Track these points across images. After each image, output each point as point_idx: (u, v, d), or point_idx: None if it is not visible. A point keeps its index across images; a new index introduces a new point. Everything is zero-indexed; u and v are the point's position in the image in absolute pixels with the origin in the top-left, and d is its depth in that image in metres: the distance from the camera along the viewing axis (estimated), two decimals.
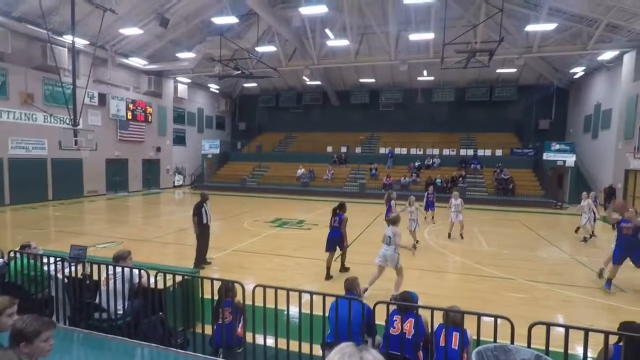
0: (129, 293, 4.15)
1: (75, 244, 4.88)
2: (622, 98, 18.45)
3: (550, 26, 16.86)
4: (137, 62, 22.36)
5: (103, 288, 4.14)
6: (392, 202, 10.39)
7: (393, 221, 6.27)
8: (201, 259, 7.87)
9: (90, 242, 9.27)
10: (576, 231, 12.22)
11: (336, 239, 7.48)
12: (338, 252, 7.67)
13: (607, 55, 18.88)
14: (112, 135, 21.67)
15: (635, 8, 14.79)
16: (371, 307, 3.55)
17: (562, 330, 2.81)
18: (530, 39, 19.04)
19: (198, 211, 7.85)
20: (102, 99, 20.67)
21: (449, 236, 11.35)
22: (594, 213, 11.33)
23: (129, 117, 22.50)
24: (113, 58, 20.58)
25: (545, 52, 19.63)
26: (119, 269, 4.12)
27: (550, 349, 2.73)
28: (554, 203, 19.85)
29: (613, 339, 2.97)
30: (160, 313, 4.06)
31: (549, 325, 2.82)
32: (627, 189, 18.15)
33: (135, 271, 4.17)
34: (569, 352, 2.79)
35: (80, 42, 18.20)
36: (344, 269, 7.78)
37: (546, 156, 21.79)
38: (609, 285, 6.90)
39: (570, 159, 21.23)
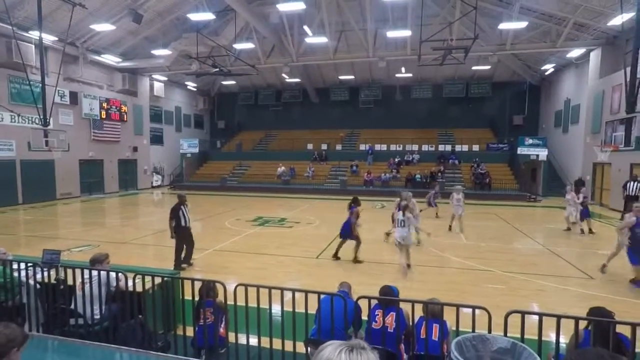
0: (106, 297, 4.04)
1: (48, 248, 4.70)
2: (589, 94, 19.24)
3: (522, 24, 17.39)
4: (110, 59, 21.66)
5: (79, 293, 4.01)
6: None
7: (404, 208, 7.71)
8: (180, 261, 7.70)
9: (65, 246, 8.97)
10: (568, 229, 12.00)
11: (346, 229, 8.41)
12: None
13: (575, 52, 19.65)
14: (86, 135, 20.94)
15: (601, 7, 15.42)
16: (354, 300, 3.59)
17: (536, 318, 2.92)
18: (504, 37, 19.58)
19: (175, 214, 7.66)
20: (74, 97, 19.92)
21: (450, 228, 11.83)
22: (579, 206, 11.64)
23: (103, 116, 21.79)
24: (84, 55, 19.85)
25: (518, 50, 20.22)
26: (95, 273, 4.00)
27: (526, 336, 2.83)
28: (528, 196, 20.53)
29: (584, 325, 3.11)
30: (140, 316, 3.97)
31: (523, 314, 2.92)
32: (595, 181, 18.98)
33: (113, 274, 4.06)
34: (543, 339, 2.90)
35: (49, 39, 17.48)
36: (356, 261, 8.22)
37: (520, 150, 22.48)
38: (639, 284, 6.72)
39: (542, 153, 21.98)
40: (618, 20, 13.91)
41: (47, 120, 12.77)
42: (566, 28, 17.39)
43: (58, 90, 17.58)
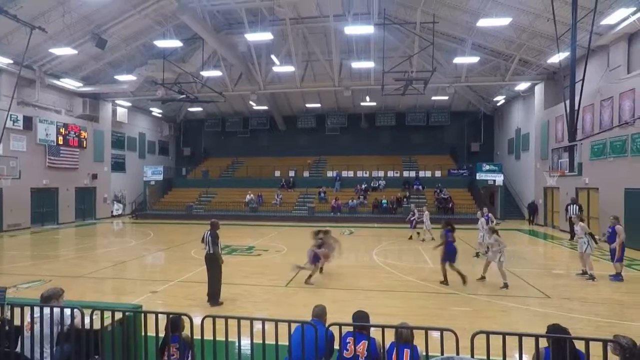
0: (58, 337, 3.74)
1: None
2: (536, 124, 20.87)
3: (474, 59, 18.99)
4: (70, 83, 20.90)
5: (26, 334, 3.69)
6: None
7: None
8: (218, 294, 7.22)
9: (10, 282, 8.26)
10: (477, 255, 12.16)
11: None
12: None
13: (522, 86, 21.55)
14: (40, 162, 19.72)
15: (541, 46, 17.11)
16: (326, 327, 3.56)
17: (501, 338, 3.03)
18: (459, 70, 21.04)
19: (218, 240, 7.42)
20: (28, 122, 18.83)
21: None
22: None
23: (60, 142, 20.70)
24: (42, 79, 19.04)
25: (472, 82, 21.80)
26: (46, 311, 3.71)
27: (492, 357, 2.93)
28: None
29: (544, 343, 3.26)
30: (97, 357, 3.70)
31: (488, 334, 3.03)
32: (547, 204, 20.25)
33: (67, 311, 3.77)
34: (508, 358, 3.01)
35: (3, 61, 16.75)
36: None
37: (479, 176, 23.70)
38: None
39: (499, 179, 23.27)
40: (556, 58, 15.41)
41: None
42: (513, 64, 19.08)
43: (10, 115, 16.64)
